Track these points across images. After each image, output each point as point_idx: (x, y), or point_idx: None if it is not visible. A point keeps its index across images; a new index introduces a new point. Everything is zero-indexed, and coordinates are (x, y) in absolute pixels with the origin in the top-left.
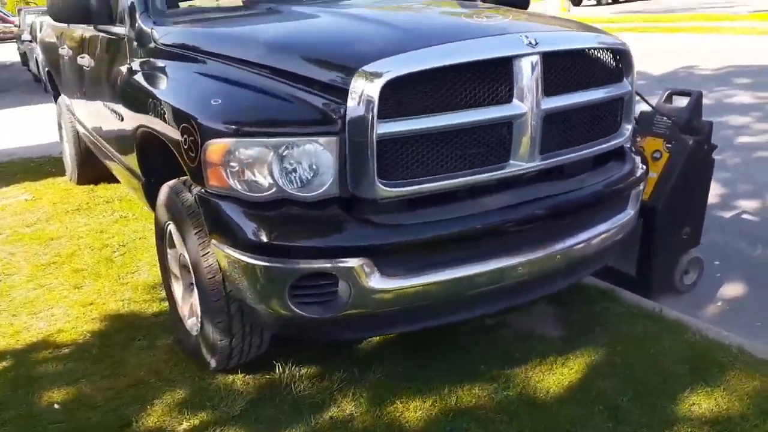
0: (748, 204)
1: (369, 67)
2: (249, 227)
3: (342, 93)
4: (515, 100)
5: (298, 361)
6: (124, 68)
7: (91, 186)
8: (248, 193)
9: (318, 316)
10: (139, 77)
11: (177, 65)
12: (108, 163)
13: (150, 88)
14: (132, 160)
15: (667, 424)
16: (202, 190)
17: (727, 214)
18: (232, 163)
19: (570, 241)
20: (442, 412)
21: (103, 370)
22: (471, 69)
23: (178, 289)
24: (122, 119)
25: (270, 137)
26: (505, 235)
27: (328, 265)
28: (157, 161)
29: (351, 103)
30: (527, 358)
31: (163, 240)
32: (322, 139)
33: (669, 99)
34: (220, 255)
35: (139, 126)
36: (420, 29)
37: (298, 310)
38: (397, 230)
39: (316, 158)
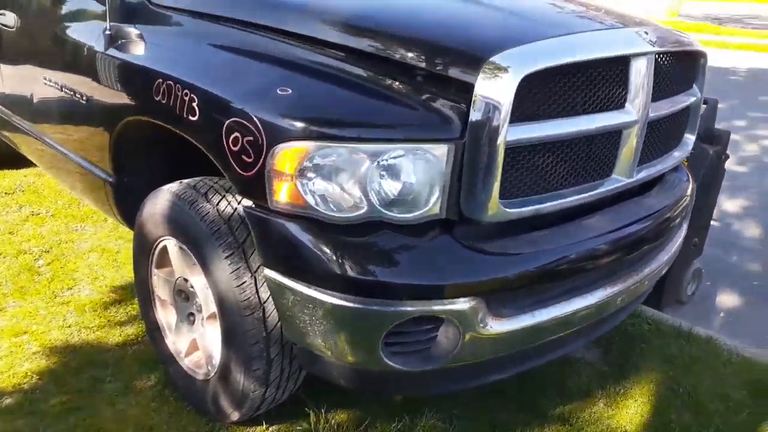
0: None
1: (502, 58)
2: (334, 258)
3: (463, 88)
4: (628, 105)
5: (330, 403)
6: (96, 33)
7: None
8: (332, 214)
9: (414, 369)
10: (128, 48)
11: (198, 35)
12: (30, 147)
13: (154, 67)
14: (95, 153)
15: None
16: (257, 206)
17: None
18: (310, 174)
19: (655, 264)
20: None
21: (73, 430)
22: (595, 67)
23: (167, 318)
24: (87, 101)
25: (367, 142)
26: (611, 262)
27: (439, 307)
28: (144, 159)
29: (477, 100)
30: (583, 389)
31: (147, 257)
32: (434, 147)
33: None
34: (280, 290)
35: (124, 114)
36: (546, 17)
37: (390, 362)
38: (513, 261)
39: (424, 170)
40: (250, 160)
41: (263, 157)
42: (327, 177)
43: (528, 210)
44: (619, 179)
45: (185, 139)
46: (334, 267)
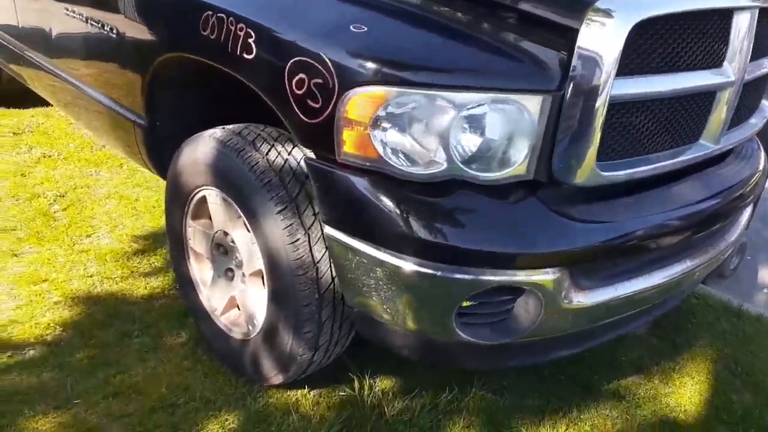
0: None
1: (611, 2)
2: (409, 218)
3: (563, 34)
4: (726, 64)
5: (375, 369)
6: None
7: None
8: (408, 169)
9: (488, 342)
10: None
11: None
12: (44, 84)
13: None
14: (124, 92)
15: None
16: (322, 158)
17: None
18: (386, 123)
19: (731, 237)
20: None
21: (103, 386)
22: (700, 19)
23: (202, 273)
24: (117, 35)
25: (451, 90)
26: (696, 234)
27: (523, 277)
28: (183, 101)
29: (580, 48)
30: (637, 365)
31: (182, 207)
32: (527, 98)
33: None
34: (343, 250)
35: (163, 49)
36: None
37: (462, 334)
38: (603, 228)
39: (514, 124)
40: (317, 105)
41: (333, 102)
42: (404, 127)
43: (622, 174)
44: (706, 145)
45: (231, 81)
46: (408, 229)
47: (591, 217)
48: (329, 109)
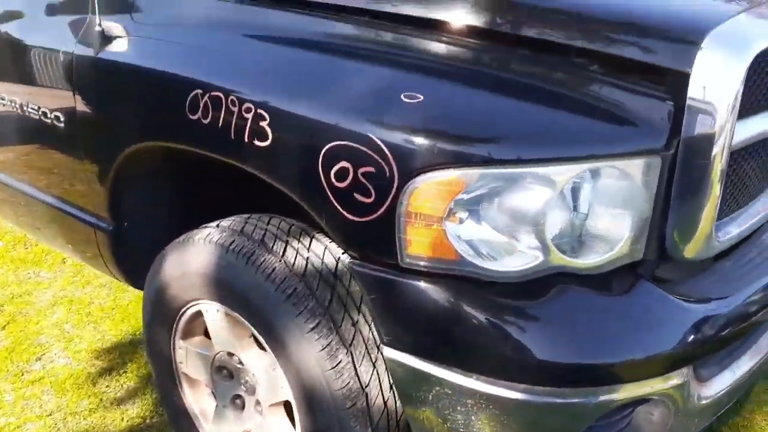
0: None
1: (724, 31)
2: (511, 332)
3: (668, 80)
4: None
5: None
6: (76, 31)
7: None
8: (496, 268)
9: None
10: (135, 48)
11: (255, 25)
12: None
13: (188, 74)
14: (83, 192)
15: None
16: (374, 262)
17: None
18: (465, 213)
19: None
20: None
21: None
22: None
23: (200, 403)
24: (64, 123)
25: (544, 164)
26: None
27: (656, 386)
28: (155, 197)
29: (692, 94)
30: None
31: (169, 326)
32: (633, 163)
33: None
34: (416, 379)
35: (134, 140)
36: None
37: None
38: (726, 307)
39: (621, 196)
40: (369, 200)
41: (392, 195)
42: (489, 217)
43: (735, 234)
44: None
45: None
46: (510, 347)
47: (709, 295)
48: (387, 204)
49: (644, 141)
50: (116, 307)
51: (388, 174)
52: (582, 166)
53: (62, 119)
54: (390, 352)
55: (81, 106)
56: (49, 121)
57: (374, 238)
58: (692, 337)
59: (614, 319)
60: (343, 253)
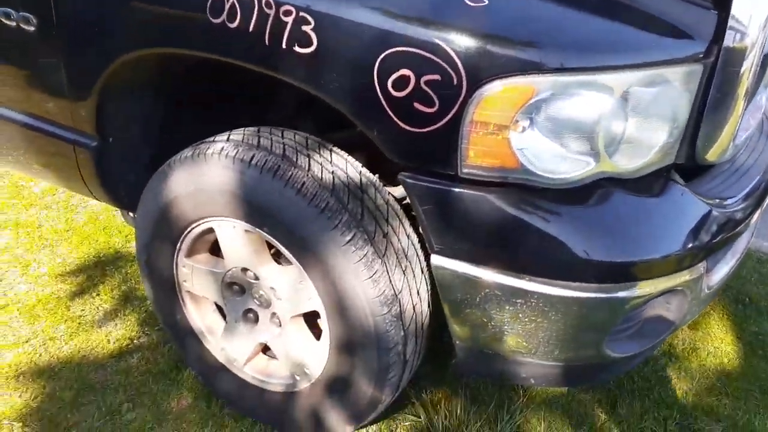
0: None
1: None
2: (564, 236)
3: None
4: None
5: (430, 389)
6: None
7: None
8: (554, 176)
9: (629, 354)
10: None
11: None
12: None
13: None
14: (63, 107)
15: None
16: (427, 173)
17: None
18: (527, 123)
19: None
20: None
21: None
22: None
23: (206, 320)
24: (36, 28)
25: (611, 71)
26: None
27: (682, 278)
28: (146, 109)
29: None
30: None
31: (172, 244)
32: (679, 70)
33: None
34: (465, 284)
35: (132, 47)
36: None
37: (609, 352)
38: (735, 206)
39: (667, 103)
40: (431, 109)
41: (458, 103)
42: (553, 124)
43: (743, 139)
44: None
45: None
46: (564, 249)
47: (720, 196)
48: (451, 113)
49: (690, 48)
50: (71, 228)
51: (456, 81)
52: (636, 74)
53: (34, 22)
54: (439, 260)
55: (62, 7)
56: (13, 24)
57: (432, 149)
58: (715, 233)
59: (656, 219)
60: (363, 167)
